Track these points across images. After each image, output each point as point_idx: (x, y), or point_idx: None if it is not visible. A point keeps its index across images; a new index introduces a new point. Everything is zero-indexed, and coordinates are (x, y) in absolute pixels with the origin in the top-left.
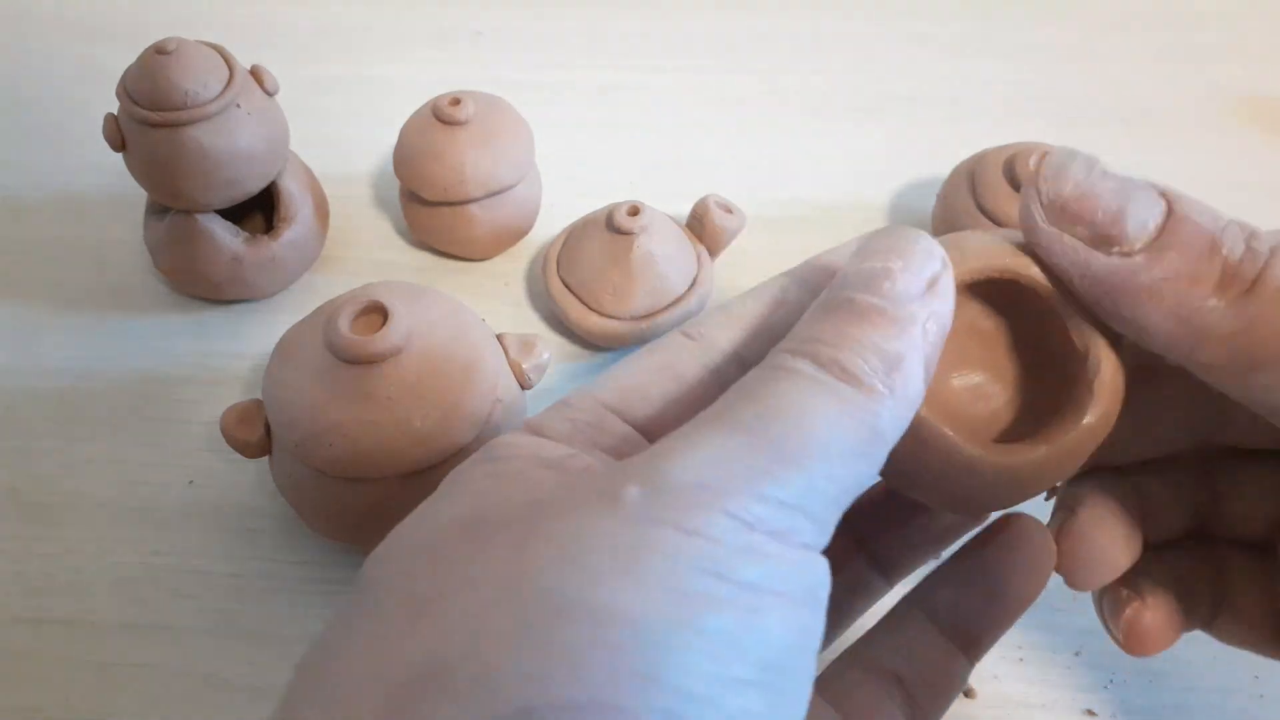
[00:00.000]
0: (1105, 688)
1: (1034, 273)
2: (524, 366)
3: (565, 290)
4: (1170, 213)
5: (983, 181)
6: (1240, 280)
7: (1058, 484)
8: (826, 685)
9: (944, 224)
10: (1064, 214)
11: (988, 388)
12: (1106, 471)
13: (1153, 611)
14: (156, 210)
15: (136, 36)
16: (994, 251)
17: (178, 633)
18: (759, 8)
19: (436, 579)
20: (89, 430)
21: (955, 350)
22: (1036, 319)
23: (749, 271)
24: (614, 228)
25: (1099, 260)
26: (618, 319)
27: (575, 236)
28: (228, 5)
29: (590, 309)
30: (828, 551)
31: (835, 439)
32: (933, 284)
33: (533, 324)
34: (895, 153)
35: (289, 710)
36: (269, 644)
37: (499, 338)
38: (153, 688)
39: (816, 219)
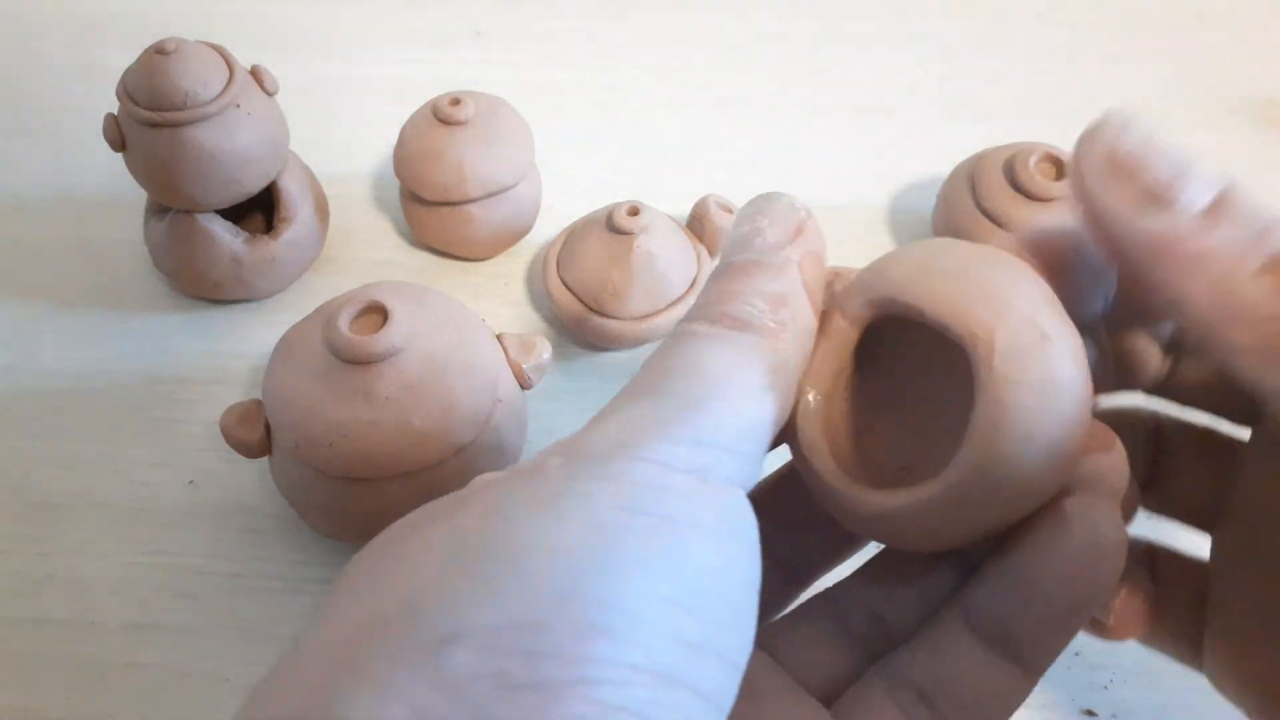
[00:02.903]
0: (1105, 688)
1: (924, 307)
2: (524, 366)
3: (565, 290)
4: (1225, 189)
5: (983, 181)
6: None
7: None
8: (849, 709)
9: (944, 224)
10: (1121, 169)
11: (896, 428)
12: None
13: (1140, 593)
14: (156, 210)
15: (136, 36)
16: (891, 285)
17: (178, 633)
18: (759, 8)
19: (382, 558)
20: (89, 430)
21: (874, 386)
22: (947, 348)
23: None
24: (614, 228)
25: (1148, 221)
26: (618, 319)
27: (575, 236)
28: (228, 5)
29: (590, 309)
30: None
31: (735, 377)
32: (799, 230)
33: (533, 324)
34: (895, 153)
35: (259, 692)
36: (269, 644)
37: (499, 338)
38: (153, 688)
39: (816, 219)
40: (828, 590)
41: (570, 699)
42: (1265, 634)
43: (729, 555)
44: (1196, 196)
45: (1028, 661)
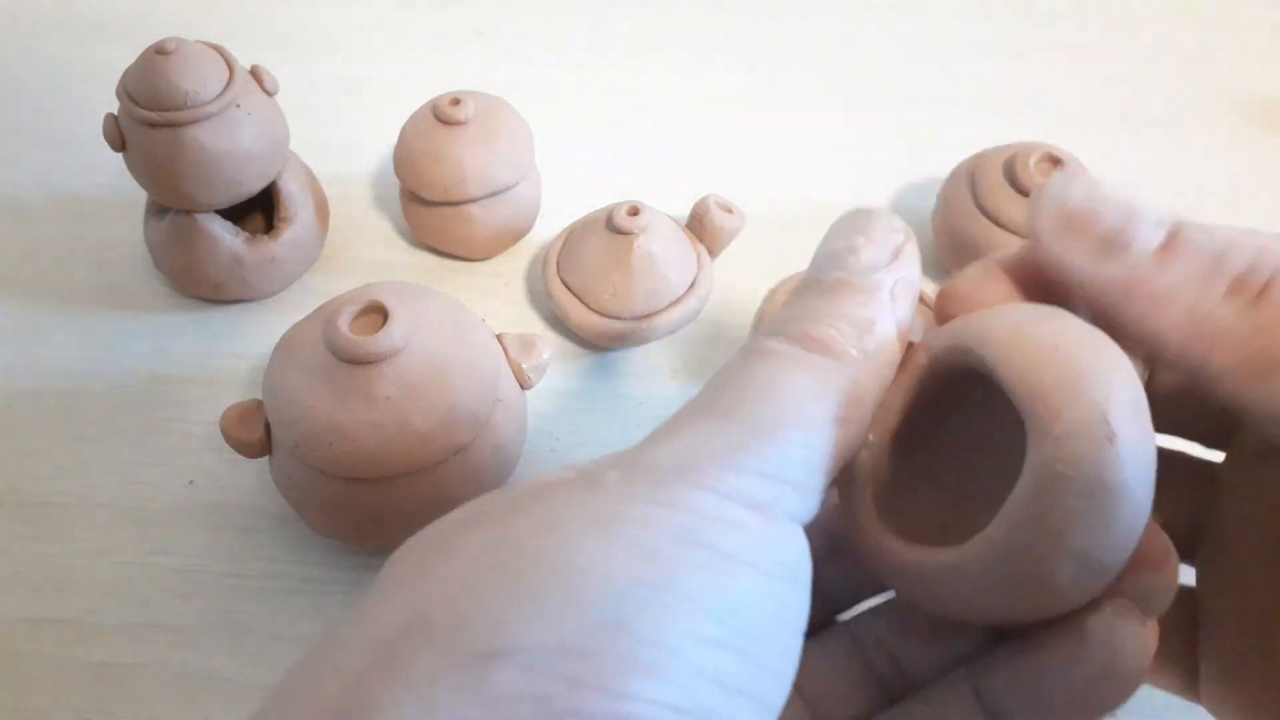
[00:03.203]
0: None
1: (975, 350)
2: (524, 366)
3: (565, 290)
4: (1174, 228)
5: (983, 181)
6: (1249, 288)
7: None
8: None
9: (944, 224)
10: (1071, 224)
11: (933, 485)
12: None
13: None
14: (156, 210)
15: (136, 36)
16: (950, 333)
17: (178, 633)
18: (759, 8)
19: (428, 557)
20: (89, 430)
21: (917, 442)
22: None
23: (749, 271)
24: (614, 228)
25: (1109, 267)
26: (618, 319)
27: (575, 236)
28: (228, 5)
29: (590, 309)
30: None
31: (809, 407)
32: (897, 253)
33: (533, 324)
34: (895, 153)
35: (293, 676)
36: (269, 644)
37: (499, 338)
38: (153, 688)
39: (816, 219)
40: (850, 622)
41: None
42: (1256, 661)
43: (782, 598)
44: (1150, 236)
45: None
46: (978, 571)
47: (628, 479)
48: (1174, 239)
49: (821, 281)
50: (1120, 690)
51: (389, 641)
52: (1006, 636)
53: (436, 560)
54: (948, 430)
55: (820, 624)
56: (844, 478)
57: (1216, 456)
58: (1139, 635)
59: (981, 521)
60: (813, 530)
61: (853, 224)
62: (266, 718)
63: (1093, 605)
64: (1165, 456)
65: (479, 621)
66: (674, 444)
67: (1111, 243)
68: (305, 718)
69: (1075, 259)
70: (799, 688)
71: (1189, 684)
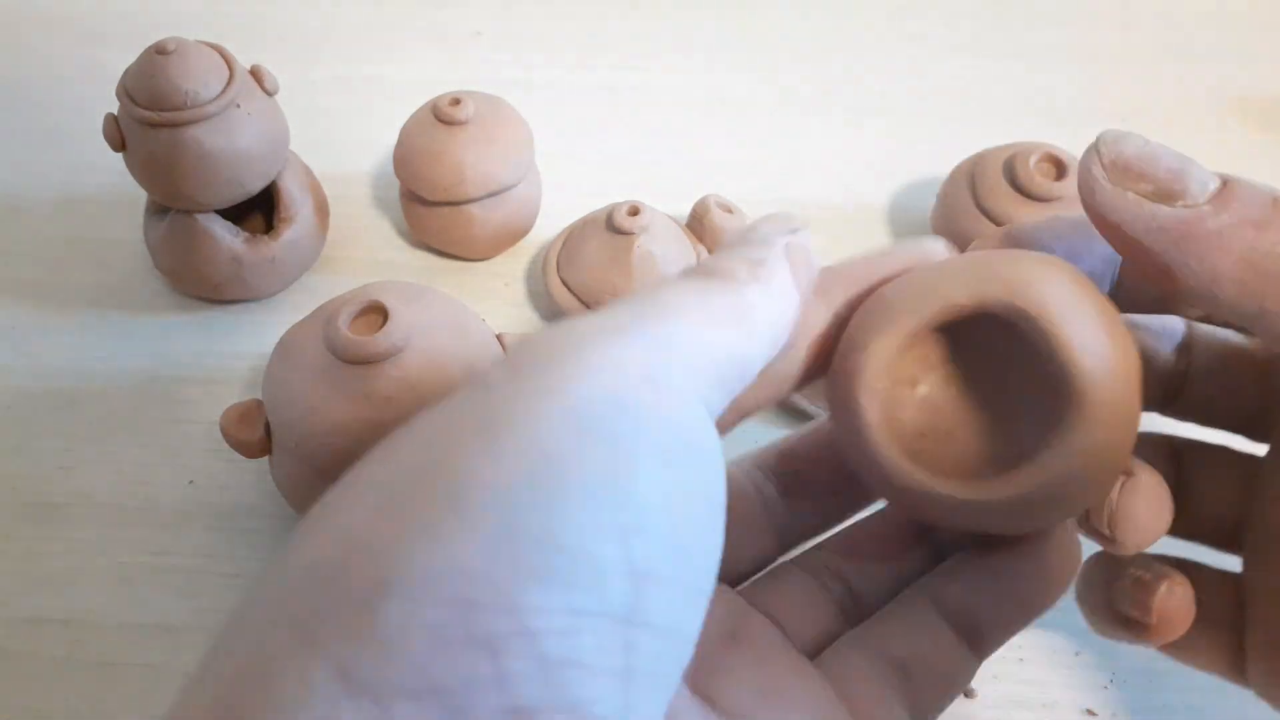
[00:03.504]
0: (1105, 688)
1: (1012, 301)
2: None
3: (565, 290)
4: (1225, 178)
5: (983, 181)
6: None
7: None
8: (828, 666)
9: (944, 224)
10: (1127, 172)
11: (968, 427)
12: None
13: (1182, 587)
14: (156, 210)
15: (136, 36)
16: (964, 282)
17: (178, 633)
18: (759, 8)
19: (328, 502)
20: (89, 430)
21: (926, 385)
22: (1026, 352)
23: None
24: (614, 228)
25: (1165, 211)
26: None
27: (575, 236)
28: (228, 5)
29: (590, 309)
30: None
31: (693, 304)
32: (792, 230)
33: (533, 324)
34: (895, 153)
35: (211, 647)
36: None
37: (499, 338)
38: (153, 688)
39: (816, 219)
40: (805, 554)
41: (509, 655)
42: None
43: (689, 473)
44: (1203, 185)
45: (981, 648)
46: (1023, 502)
47: (513, 373)
48: (1227, 187)
49: (725, 244)
50: (1070, 580)
51: (287, 592)
52: (961, 549)
53: (336, 498)
54: (962, 373)
55: (773, 561)
56: (858, 423)
57: (1260, 449)
58: (1078, 551)
59: (1006, 451)
60: (766, 472)
61: (755, 220)
62: (188, 693)
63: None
64: (1212, 450)
65: (364, 556)
66: (555, 331)
67: (1167, 188)
68: (212, 693)
69: (1130, 206)
70: (773, 618)
71: (1236, 667)
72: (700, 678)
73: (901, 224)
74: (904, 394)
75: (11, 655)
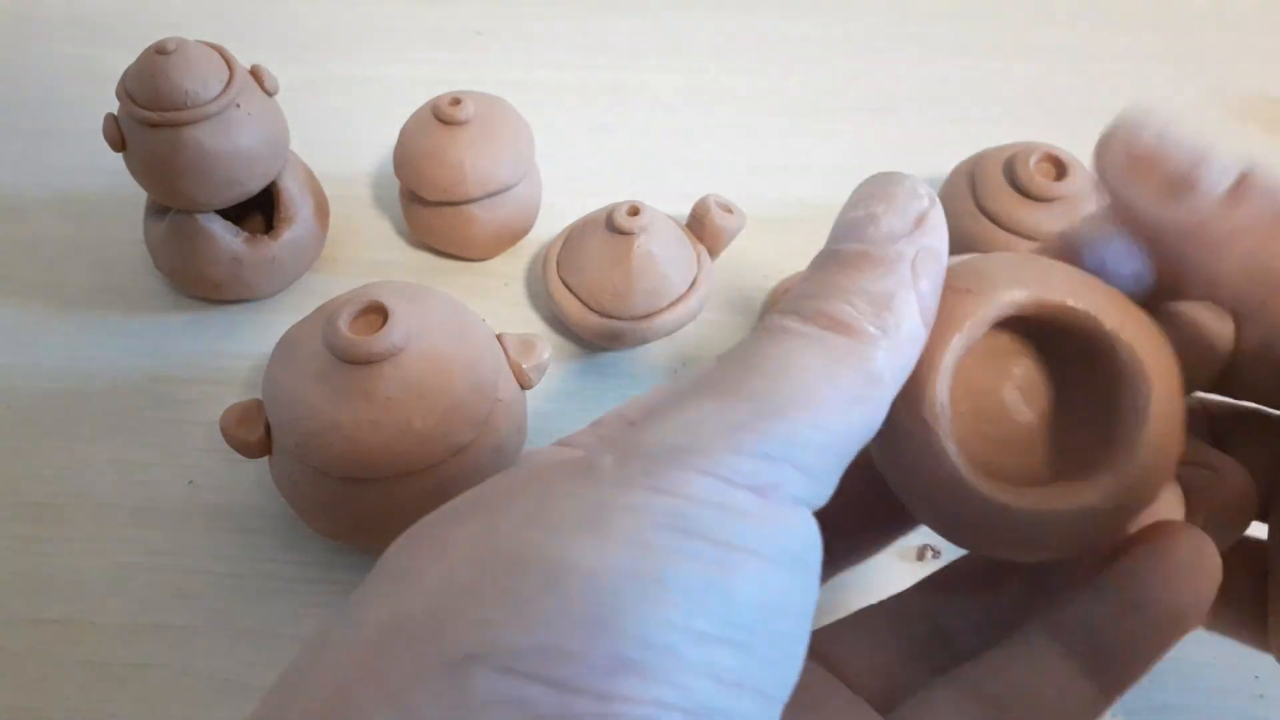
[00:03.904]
0: None
1: (1068, 300)
2: (524, 366)
3: (565, 290)
4: (1245, 170)
5: (983, 181)
6: None
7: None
8: (907, 715)
9: None
10: (1142, 162)
11: (1027, 429)
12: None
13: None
14: (156, 210)
15: (136, 36)
16: (1021, 280)
17: (178, 633)
18: (759, 8)
19: (417, 554)
20: (89, 430)
21: (986, 392)
22: (1080, 351)
23: (749, 271)
24: (614, 228)
25: (1173, 209)
26: (618, 319)
27: (575, 236)
28: (228, 5)
29: (590, 309)
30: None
31: (821, 386)
32: (920, 221)
33: (533, 324)
34: (895, 153)
35: (283, 683)
36: (269, 644)
37: (499, 338)
38: (153, 688)
39: (816, 219)
40: (886, 601)
41: None
42: None
43: (785, 587)
44: (1217, 181)
45: (1112, 678)
46: (1095, 512)
47: (623, 463)
48: (1244, 183)
49: (838, 254)
50: (1207, 581)
51: (370, 645)
52: (1070, 573)
53: (423, 558)
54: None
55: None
56: (925, 430)
57: None
58: (1201, 529)
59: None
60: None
61: (873, 190)
62: None
63: (1159, 526)
64: (1246, 415)
65: (457, 623)
66: (673, 422)
67: (1177, 185)
68: None
69: (1140, 200)
70: (838, 670)
71: (1259, 635)
72: None
73: None
74: (968, 405)
75: (11, 655)
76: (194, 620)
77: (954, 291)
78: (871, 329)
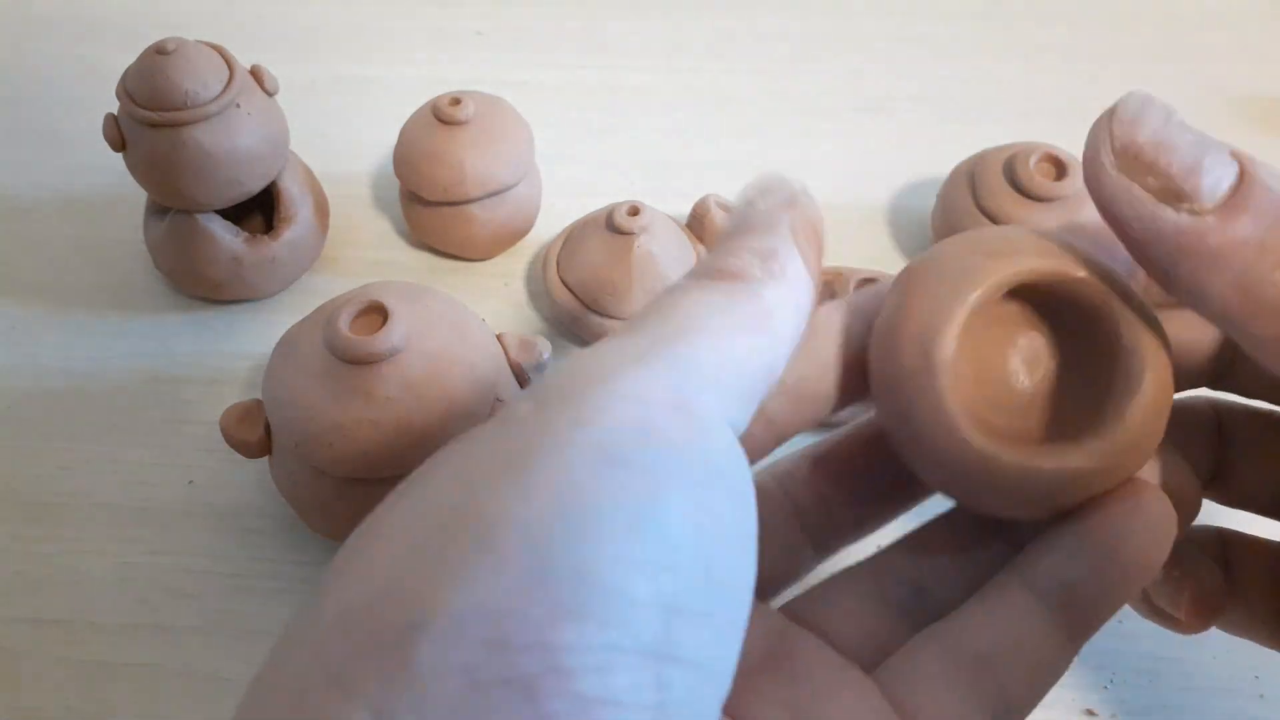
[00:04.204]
0: (1105, 688)
1: (1082, 273)
2: (524, 366)
3: (565, 290)
4: (1243, 174)
5: (983, 181)
6: None
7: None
8: (890, 673)
9: (944, 224)
10: (1137, 162)
11: (1025, 395)
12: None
13: (1213, 586)
14: (156, 210)
15: (136, 36)
16: (1037, 250)
17: (178, 633)
18: (759, 8)
19: (358, 543)
20: (89, 430)
21: (989, 357)
22: (1082, 325)
23: None
24: (614, 228)
25: (1168, 216)
26: (618, 319)
27: (575, 236)
28: (228, 5)
29: (590, 309)
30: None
31: (715, 317)
32: (791, 202)
33: (533, 324)
34: (895, 153)
35: (251, 691)
36: (269, 644)
37: (499, 338)
38: (153, 688)
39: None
40: (863, 562)
41: (544, 695)
42: None
43: (719, 508)
44: (1215, 185)
45: (1079, 626)
46: (1088, 473)
47: (539, 406)
48: (1241, 190)
49: (726, 231)
50: (1169, 536)
51: (319, 642)
52: (1047, 527)
53: (362, 545)
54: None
55: (809, 568)
56: (931, 396)
57: None
58: (1170, 507)
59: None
60: (797, 477)
61: (750, 189)
62: None
63: (1134, 484)
64: (1257, 416)
65: (394, 599)
66: (584, 359)
67: (1176, 186)
68: None
69: (1133, 204)
70: (824, 633)
71: (1273, 636)
72: (732, 704)
73: (901, 224)
74: (973, 367)
75: (11, 655)
76: (194, 620)
77: (978, 254)
78: (758, 272)
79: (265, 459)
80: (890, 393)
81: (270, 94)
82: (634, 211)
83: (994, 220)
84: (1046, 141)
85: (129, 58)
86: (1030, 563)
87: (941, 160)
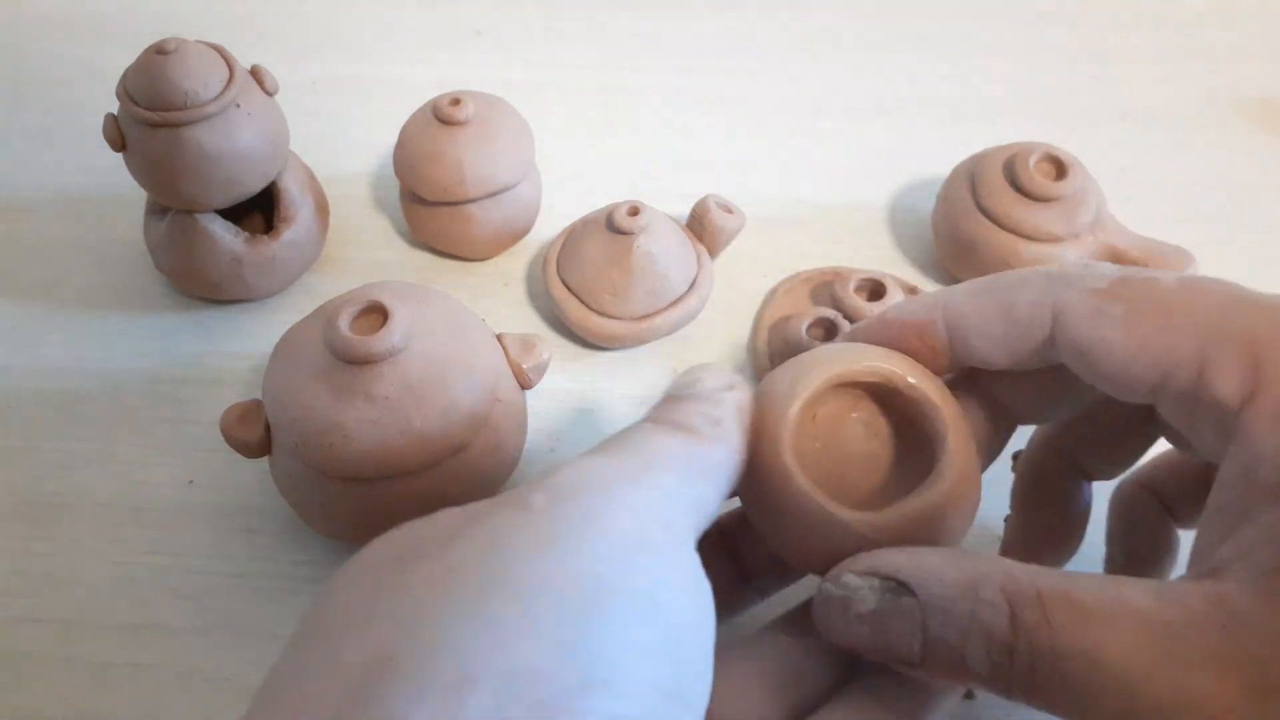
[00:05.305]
0: None
1: (905, 378)
2: (524, 366)
3: (565, 290)
4: (926, 641)
5: (983, 181)
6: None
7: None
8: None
9: (944, 224)
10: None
11: (865, 468)
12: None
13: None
14: (156, 210)
15: (136, 36)
16: (870, 356)
17: (178, 633)
18: (759, 8)
19: (380, 589)
20: (89, 430)
21: (840, 438)
22: (908, 413)
23: (749, 271)
24: (614, 228)
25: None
26: (618, 319)
27: (575, 236)
28: (228, 5)
29: (590, 309)
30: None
31: (678, 458)
32: (732, 385)
33: (533, 324)
34: (895, 153)
35: (259, 705)
36: (269, 644)
37: (499, 338)
38: (153, 688)
39: (816, 219)
40: (750, 638)
41: None
42: None
43: (696, 606)
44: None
45: None
46: (908, 528)
47: (551, 500)
48: (925, 651)
49: (680, 395)
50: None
51: (357, 679)
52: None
53: (390, 593)
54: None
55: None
56: (786, 480)
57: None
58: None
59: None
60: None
61: (693, 369)
62: None
63: None
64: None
65: (445, 651)
66: (580, 468)
67: (893, 655)
68: None
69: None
70: (711, 715)
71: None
72: None
73: (901, 224)
74: (807, 446)
75: (11, 655)
76: (194, 620)
77: (805, 364)
78: (709, 432)
79: (265, 459)
80: (755, 490)
81: (270, 94)
82: (634, 211)
83: (994, 220)
84: (1046, 141)
85: (129, 58)
86: (871, 673)
87: (941, 160)
